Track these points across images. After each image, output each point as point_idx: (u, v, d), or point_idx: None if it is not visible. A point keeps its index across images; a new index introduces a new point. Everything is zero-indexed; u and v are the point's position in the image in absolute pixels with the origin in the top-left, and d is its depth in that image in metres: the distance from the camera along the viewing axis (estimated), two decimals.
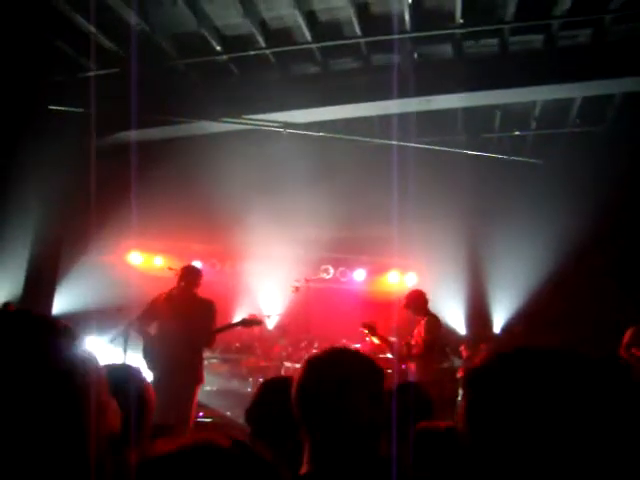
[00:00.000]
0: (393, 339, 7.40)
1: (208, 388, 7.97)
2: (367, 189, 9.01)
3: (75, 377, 0.98)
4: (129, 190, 7.07)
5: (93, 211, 7.26)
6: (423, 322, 6.95)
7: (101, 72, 8.01)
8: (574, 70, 7.71)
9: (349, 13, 7.33)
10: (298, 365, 8.36)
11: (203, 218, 9.36)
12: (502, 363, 1.12)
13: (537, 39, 7.80)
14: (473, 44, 7.93)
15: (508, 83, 8.02)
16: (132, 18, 7.32)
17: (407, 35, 7.53)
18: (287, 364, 8.77)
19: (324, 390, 1.78)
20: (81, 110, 7.97)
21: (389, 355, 7.82)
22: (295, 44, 8.02)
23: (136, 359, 6.43)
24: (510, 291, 10.05)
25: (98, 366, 1.05)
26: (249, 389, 8.64)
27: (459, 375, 7.88)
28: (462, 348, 8.35)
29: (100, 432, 1.00)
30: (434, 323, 6.99)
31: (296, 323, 9.43)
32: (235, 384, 8.84)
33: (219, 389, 8.66)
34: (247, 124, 8.81)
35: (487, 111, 9.41)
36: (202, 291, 6.60)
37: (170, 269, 7.22)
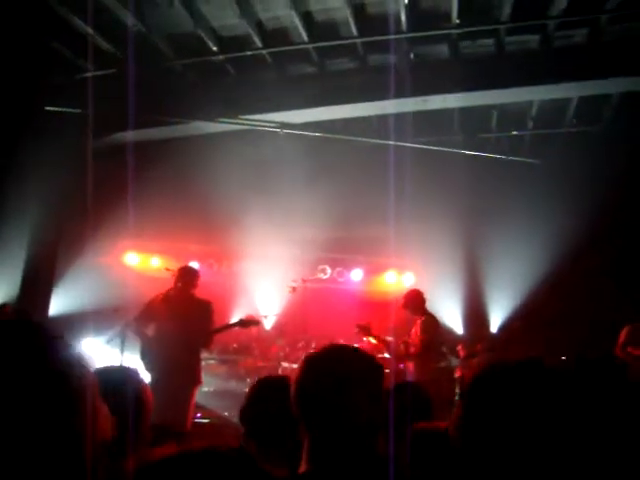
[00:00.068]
0: (390, 339, 7.42)
1: (206, 389, 7.96)
2: (364, 189, 9.02)
3: (71, 380, 0.99)
4: (126, 191, 7.07)
5: (90, 212, 7.27)
6: (419, 322, 6.97)
7: (98, 73, 8.00)
8: (570, 70, 7.73)
9: (345, 14, 7.33)
10: (296, 365, 8.37)
11: (200, 219, 9.35)
12: (496, 376, 1.13)
13: (533, 39, 7.81)
14: (469, 44, 7.94)
15: (505, 83, 8.04)
16: (129, 19, 7.32)
17: (403, 35, 7.54)
18: (285, 364, 8.77)
19: (323, 387, 1.78)
20: (78, 111, 7.97)
21: (386, 355, 7.83)
22: (292, 44, 8.03)
23: (133, 360, 6.43)
24: (507, 290, 10.06)
25: (91, 371, 1.05)
26: (247, 390, 8.61)
27: (457, 374, 7.89)
28: (459, 347, 8.35)
29: (95, 436, 1.00)
30: (431, 322, 7.01)
31: (293, 323, 9.44)
32: (233, 385, 8.83)
33: (217, 390, 8.65)
34: (244, 124, 8.81)
35: (484, 111, 9.42)
36: (199, 292, 6.60)
37: (167, 270, 7.21)
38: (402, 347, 7.03)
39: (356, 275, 10.92)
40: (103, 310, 7.68)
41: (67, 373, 0.99)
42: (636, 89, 8.13)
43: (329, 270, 10.70)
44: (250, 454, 1.10)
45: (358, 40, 7.82)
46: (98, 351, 8.20)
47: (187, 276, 6.52)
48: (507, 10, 7.09)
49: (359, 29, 7.56)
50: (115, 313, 6.84)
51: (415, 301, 7.12)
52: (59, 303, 8.67)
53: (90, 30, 7.50)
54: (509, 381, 1.11)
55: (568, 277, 9.31)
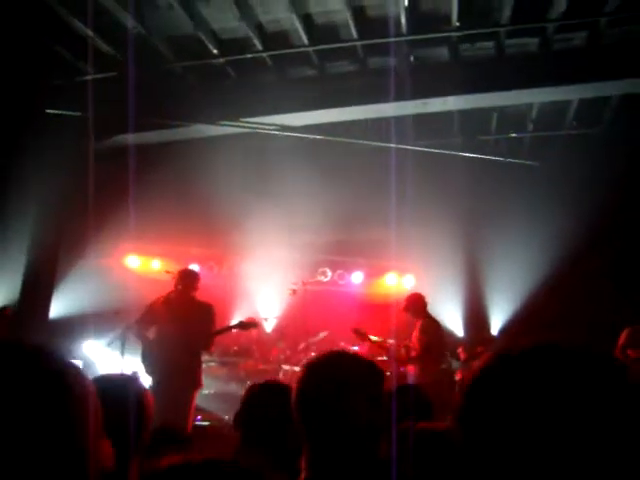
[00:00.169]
0: (391, 341, 7.43)
1: (206, 391, 7.95)
2: (364, 192, 9.03)
3: (73, 395, 0.99)
4: (127, 193, 7.07)
5: (91, 214, 7.27)
6: (419, 324, 6.98)
7: (99, 76, 8.02)
8: (570, 73, 7.75)
9: (345, 16, 7.34)
10: (296, 368, 8.40)
11: (201, 221, 9.36)
12: (504, 366, 1.10)
13: (533, 42, 7.82)
14: (469, 47, 7.95)
15: (504, 86, 8.05)
16: (129, 22, 7.33)
17: (403, 38, 7.55)
18: (285, 367, 8.77)
19: (323, 393, 1.79)
20: (79, 114, 7.97)
21: (384, 357, 7.84)
22: (292, 47, 8.03)
23: (134, 363, 6.43)
24: (507, 293, 10.06)
25: (91, 383, 1.05)
26: None
27: (457, 377, 7.90)
28: (460, 350, 8.36)
29: (96, 452, 1.00)
30: (430, 325, 7.02)
31: (294, 326, 9.44)
32: (233, 387, 8.82)
33: (217, 392, 8.63)
34: (244, 127, 8.82)
35: (483, 113, 9.43)
36: (200, 294, 6.61)
37: (167, 272, 7.22)
38: (403, 351, 7.04)
39: (357, 278, 10.92)
40: (104, 313, 7.70)
41: (68, 388, 0.99)
42: (636, 91, 8.15)
43: (329, 273, 10.69)
44: (254, 467, 1.09)
45: (358, 43, 7.82)
46: (99, 354, 8.22)
47: (187, 279, 6.53)
48: (507, 13, 7.10)
49: (359, 32, 7.57)
50: (116, 316, 6.86)
51: (416, 304, 7.13)
52: (60, 305, 8.67)
53: (90, 32, 7.51)
54: (518, 372, 1.07)
55: (568, 279, 9.31)
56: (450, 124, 9.82)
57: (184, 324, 6.20)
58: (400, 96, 7.63)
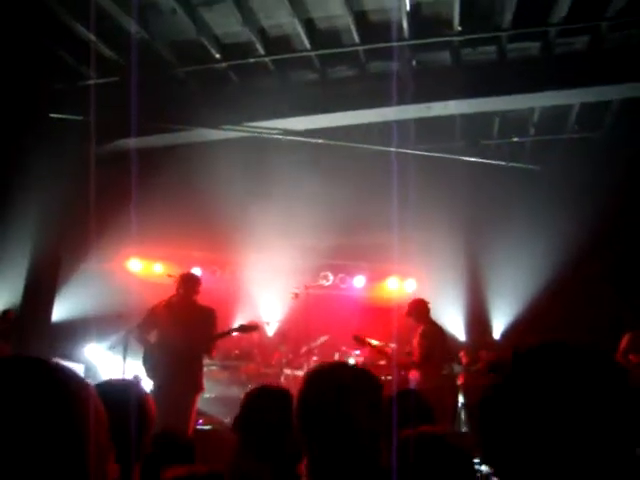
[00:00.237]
0: (393, 345, 7.43)
1: (207, 395, 7.95)
2: (366, 196, 9.04)
3: (80, 404, 0.99)
4: (129, 197, 7.07)
5: (93, 218, 7.27)
6: (420, 330, 6.97)
7: (101, 80, 8.04)
8: (572, 77, 7.76)
9: (347, 21, 7.37)
10: (298, 372, 8.40)
11: (203, 225, 9.37)
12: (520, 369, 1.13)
13: (534, 46, 7.84)
14: (471, 51, 7.97)
15: (506, 90, 8.06)
16: (132, 26, 7.35)
17: (405, 42, 7.57)
18: (287, 371, 8.76)
19: (324, 401, 1.82)
20: (81, 118, 7.99)
21: (383, 362, 7.86)
22: (294, 52, 8.06)
23: (136, 366, 6.44)
24: (509, 297, 10.06)
25: (97, 398, 1.05)
26: None
27: (459, 382, 7.89)
28: (462, 354, 8.36)
29: (103, 465, 1.00)
30: (431, 330, 7.01)
31: (296, 330, 9.43)
32: (235, 391, 8.81)
33: (218, 396, 8.63)
34: (246, 131, 8.83)
35: (485, 118, 9.44)
36: (202, 298, 6.61)
37: (169, 276, 7.22)
38: (405, 356, 7.04)
39: (358, 282, 10.92)
40: (106, 316, 7.71)
41: (74, 403, 0.99)
42: (637, 95, 8.15)
43: (331, 277, 10.69)
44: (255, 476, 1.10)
45: (360, 47, 7.85)
46: (101, 357, 8.23)
47: (188, 282, 6.54)
48: (508, 17, 7.12)
49: (361, 36, 7.59)
50: (118, 319, 6.87)
51: (419, 309, 7.13)
52: (62, 309, 8.68)
53: (93, 37, 7.54)
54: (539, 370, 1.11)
55: (569, 283, 9.30)
56: (452, 128, 9.83)
57: (186, 328, 6.20)
58: (402, 100, 7.64)
